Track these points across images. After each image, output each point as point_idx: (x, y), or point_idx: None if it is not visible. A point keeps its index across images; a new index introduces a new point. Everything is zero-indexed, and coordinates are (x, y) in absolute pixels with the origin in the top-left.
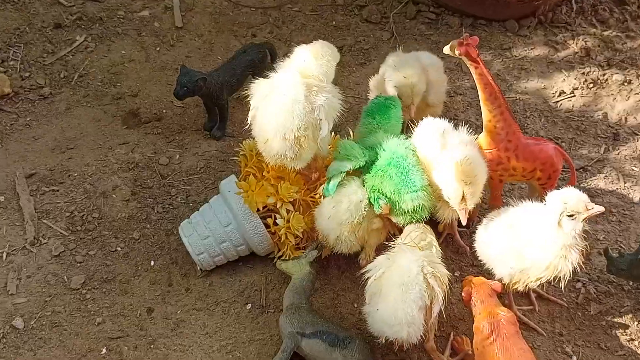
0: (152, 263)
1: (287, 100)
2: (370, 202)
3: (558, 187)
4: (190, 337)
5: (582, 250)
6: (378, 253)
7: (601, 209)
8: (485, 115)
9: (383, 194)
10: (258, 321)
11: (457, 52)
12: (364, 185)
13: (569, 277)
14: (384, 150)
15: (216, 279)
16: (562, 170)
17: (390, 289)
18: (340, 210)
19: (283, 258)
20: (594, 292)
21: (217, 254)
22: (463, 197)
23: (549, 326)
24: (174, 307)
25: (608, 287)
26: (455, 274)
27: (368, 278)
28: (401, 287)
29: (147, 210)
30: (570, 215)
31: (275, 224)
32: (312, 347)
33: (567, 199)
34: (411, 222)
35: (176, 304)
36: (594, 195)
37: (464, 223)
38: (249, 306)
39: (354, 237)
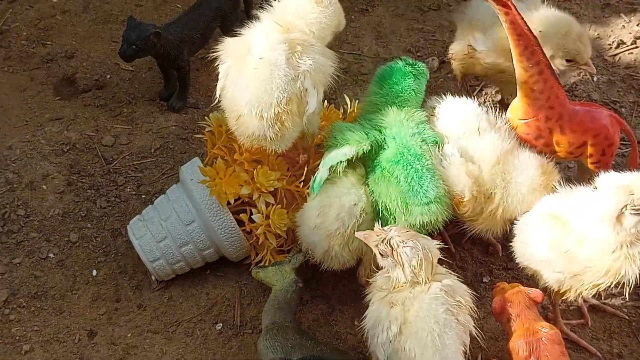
0: (95, 273)
1: (264, 65)
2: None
3: (615, 167)
4: None
5: None
6: None
7: None
8: (520, 74)
9: (384, 204)
10: (231, 345)
11: None
12: (362, 182)
13: (634, 282)
14: (393, 138)
15: (177, 292)
16: (621, 144)
17: (420, 348)
18: (328, 219)
19: (261, 264)
20: None
21: (177, 260)
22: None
23: (605, 345)
24: (122, 329)
25: None
26: (484, 280)
27: (372, 335)
28: (434, 343)
29: (87, 204)
30: (636, 210)
31: (251, 220)
32: None
33: (634, 189)
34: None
35: (126, 325)
36: None
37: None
38: (219, 326)
39: (347, 251)
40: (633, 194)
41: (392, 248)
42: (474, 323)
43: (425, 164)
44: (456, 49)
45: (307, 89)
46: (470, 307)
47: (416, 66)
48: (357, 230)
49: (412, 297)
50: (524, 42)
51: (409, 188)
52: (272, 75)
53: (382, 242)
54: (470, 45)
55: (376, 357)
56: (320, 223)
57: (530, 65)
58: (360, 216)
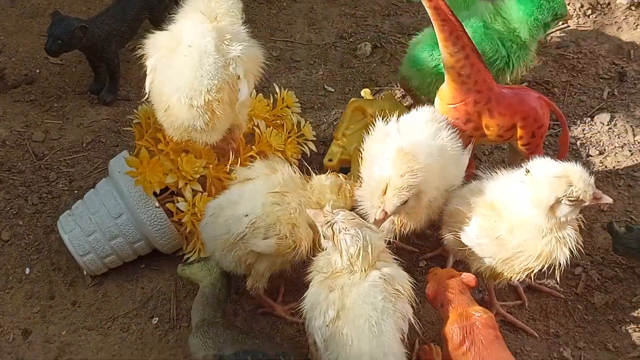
0: (28, 271)
1: (193, 52)
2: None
3: (547, 147)
4: None
5: (579, 226)
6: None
7: (610, 200)
8: (446, 59)
9: None
10: (167, 339)
11: None
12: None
13: (565, 264)
14: None
15: (112, 288)
16: (553, 124)
17: (357, 334)
18: (217, 221)
19: (186, 260)
20: (598, 279)
21: (107, 253)
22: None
23: (541, 325)
24: (57, 326)
25: (615, 271)
26: (420, 265)
27: (310, 317)
28: (371, 329)
29: (18, 201)
30: (571, 201)
31: (179, 210)
32: None
33: (573, 180)
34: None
35: (60, 322)
36: (593, 155)
37: (373, 221)
38: (155, 320)
39: (229, 258)
40: (572, 186)
41: (334, 233)
42: (413, 310)
43: None
44: None
45: (238, 76)
46: (410, 296)
47: None
48: (240, 241)
49: (350, 284)
50: (449, 27)
51: None
52: (202, 62)
53: (327, 223)
54: None
55: (313, 339)
56: (210, 223)
57: (456, 50)
58: (247, 230)
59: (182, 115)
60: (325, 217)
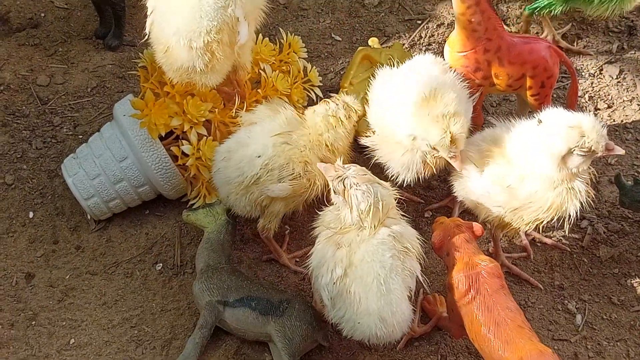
0: (31, 215)
1: None
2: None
3: (556, 100)
4: (83, 309)
5: (589, 179)
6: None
7: (622, 151)
8: (457, 6)
9: None
10: (171, 285)
11: None
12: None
13: (574, 216)
14: None
15: (116, 233)
16: (562, 76)
17: (365, 292)
18: (230, 165)
19: (191, 206)
20: (604, 232)
21: (111, 197)
22: (452, 137)
23: (546, 277)
24: (60, 271)
25: (622, 225)
26: (426, 215)
27: (316, 274)
28: (379, 288)
29: (22, 145)
30: (584, 152)
31: (184, 154)
32: (239, 319)
33: (586, 131)
34: None
35: (64, 267)
36: (602, 108)
37: (459, 169)
38: (159, 266)
39: (244, 202)
40: (584, 137)
41: (345, 187)
42: (421, 267)
43: None
44: None
45: (238, 18)
46: (418, 254)
47: None
48: (255, 184)
49: (359, 241)
50: None
51: None
52: (201, 2)
53: (338, 178)
54: None
55: (319, 296)
56: (222, 168)
57: None
58: (262, 171)
59: (182, 56)
60: (336, 171)
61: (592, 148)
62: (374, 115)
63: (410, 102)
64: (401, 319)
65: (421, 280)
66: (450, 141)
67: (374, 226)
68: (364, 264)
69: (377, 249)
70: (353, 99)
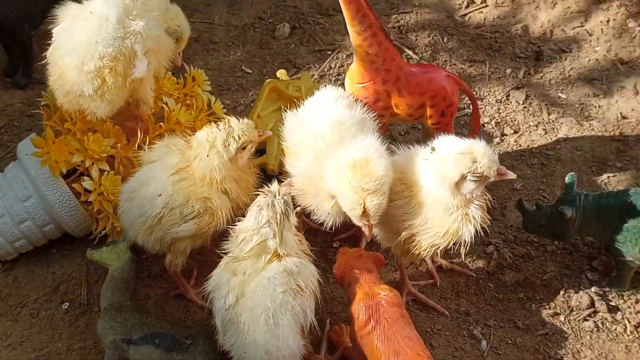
0: None
1: (93, 19)
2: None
3: (462, 127)
4: None
5: (485, 205)
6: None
7: (513, 176)
8: (354, 38)
9: None
10: (78, 324)
11: None
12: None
13: (470, 243)
14: None
15: (22, 273)
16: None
17: (254, 324)
18: (132, 205)
19: (95, 246)
20: (510, 257)
21: (16, 237)
22: (364, 210)
23: (452, 304)
24: None
25: (527, 249)
26: (334, 246)
27: (212, 297)
28: (267, 321)
29: None
30: (477, 177)
31: (86, 190)
32: (144, 356)
33: (477, 157)
34: None
35: None
36: (508, 134)
37: (367, 239)
38: (65, 305)
39: (152, 240)
40: (476, 162)
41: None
42: (320, 300)
43: None
44: None
45: (136, 52)
46: (313, 291)
47: None
48: (158, 222)
49: (253, 272)
50: (355, 6)
51: None
52: (100, 28)
53: (257, 205)
54: None
55: (214, 319)
56: (126, 208)
57: (363, 29)
58: (163, 209)
59: (72, 78)
60: (264, 197)
61: (485, 173)
62: (290, 160)
63: (336, 162)
64: (287, 354)
65: (312, 320)
66: (362, 213)
67: (270, 259)
68: (255, 296)
69: (269, 283)
70: (242, 126)
